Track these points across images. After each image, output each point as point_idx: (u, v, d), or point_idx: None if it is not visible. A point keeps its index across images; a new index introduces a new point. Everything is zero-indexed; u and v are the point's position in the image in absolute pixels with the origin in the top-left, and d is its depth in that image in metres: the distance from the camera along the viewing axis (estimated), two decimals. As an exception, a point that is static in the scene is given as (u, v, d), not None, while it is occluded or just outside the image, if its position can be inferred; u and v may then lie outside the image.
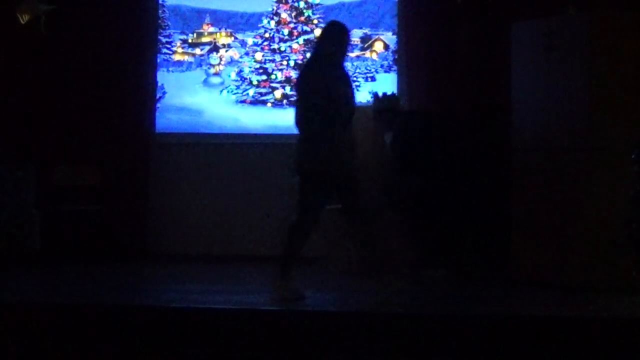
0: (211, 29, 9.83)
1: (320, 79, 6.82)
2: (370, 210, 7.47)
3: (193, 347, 6.05)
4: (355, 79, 9.58)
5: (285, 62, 9.67)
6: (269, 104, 9.66)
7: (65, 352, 6.07)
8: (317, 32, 9.62)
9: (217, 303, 6.67)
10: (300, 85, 7.07)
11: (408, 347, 5.97)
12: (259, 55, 9.71)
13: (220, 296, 7.01)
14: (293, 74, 9.60)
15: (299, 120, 6.95)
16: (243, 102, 9.66)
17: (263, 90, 9.67)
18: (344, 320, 6.23)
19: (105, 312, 6.32)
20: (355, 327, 6.14)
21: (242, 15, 9.79)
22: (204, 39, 9.83)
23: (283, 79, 9.64)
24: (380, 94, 8.57)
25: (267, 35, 9.72)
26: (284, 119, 9.50)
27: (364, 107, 8.65)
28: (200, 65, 9.79)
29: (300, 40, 9.68)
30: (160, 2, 9.65)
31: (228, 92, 9.70)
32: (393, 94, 8.64)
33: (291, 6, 9.71)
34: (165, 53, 9.74)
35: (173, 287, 7.50)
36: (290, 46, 9.69)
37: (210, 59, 9.78)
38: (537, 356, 5.88)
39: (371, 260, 7.10)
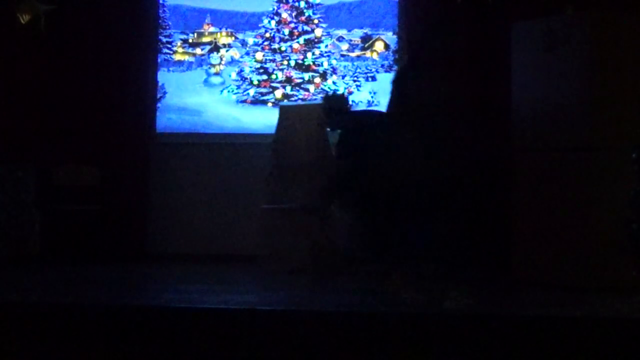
0: (212, 29, 9.84)
1: None
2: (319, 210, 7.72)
3: (193, 347, 6.04)
4: (355, 78, 9.60)
5: (285, 62, 9.68)
6: (270, 104, 9.66)
7: (65, 352, 6.06)
8: (318, 31, 9.65)
9: (217, 303, 6.66)
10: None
11: (408, 347, 5.96)
12: (259, 55, 9.72)
13: (220, 296, 7.00)
14: (294, 74, 9.62)
15: None
16: (244, 102, 9.66)
17: (264, 90, 9.68)
18: (344, 320, 6.21)
19: (105, 312, 6.31)
20: (355, 327, 6.13)
21: (243, 15, 9.80)
22: (205, 39, 9.84)
23: (284, 78, 9.65)
24: (330, 93, 8.60)
25: (267, 35, 9.73)
26: (285, 119, 9.53)
27: (313, 106, 8.74)
28: (201, 65, 9.80)
29: (301, 40, 9.69)
30: (160, 1, 9.65)
31: (229, 91, 9.71)
32: (342, 93, 8.61)
33: (292, 6, 9.72)
34: (166, 53, 9.75)
35: (173, 287, 7.49)
36: (290, 46, 9.69)
37: (210, 58, 9.79)
38: (537, 356, 5.88)
39: (321, 259, 7.26)
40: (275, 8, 9.73)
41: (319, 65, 9.65)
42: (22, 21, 8.82)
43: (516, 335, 5.91)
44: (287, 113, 8.93)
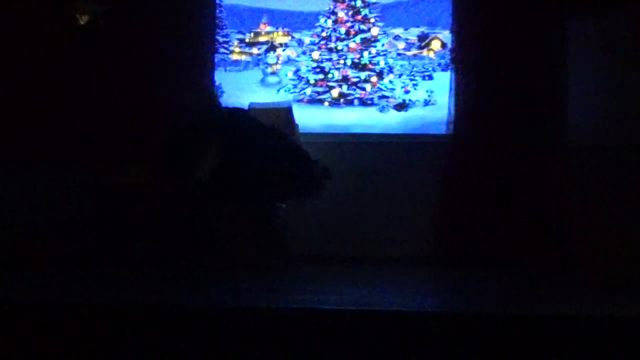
0: (268, 29, 9.86)
1: None
2: None
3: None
4: (412, 77, 9.56)
5: (342, 61, 9.66)
6: (326, 103, 9.66)
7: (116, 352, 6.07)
8: (374, 30, 9.62)
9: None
10: None
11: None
12: (316, 54, 9.72)
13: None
14: (350, 73, 9.60)
15: None
16: (300, 101, 9.66)
17: (320, 89, 9.68)
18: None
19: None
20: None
21: (299, 14, 9.81)
22: (261, 39, 9.86)
23: (340, 77, 9.63)
24: None
25: (324, 34, 9.72)
26: (341, 118, 9.54)
27: (281, 107, 9.08)
28: (258, 65, 9.83)
29: (357, 39, 9.66)
30: (217, 1, 9.67)
31: (285, 91, 9.72)
32: None
33: (348, 5, 9.69)
34: (223, 52, 9.79)
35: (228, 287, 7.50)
36: (347, 45, 9.68)
37: (267, 58, 9.81)
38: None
39: None
40: (332, 7, 9.72)
41: (375, 64, 9.62)
42: (80, 22, 8.91)
43: (564, 335, 5.84)
44: (255, 114, 8.92)
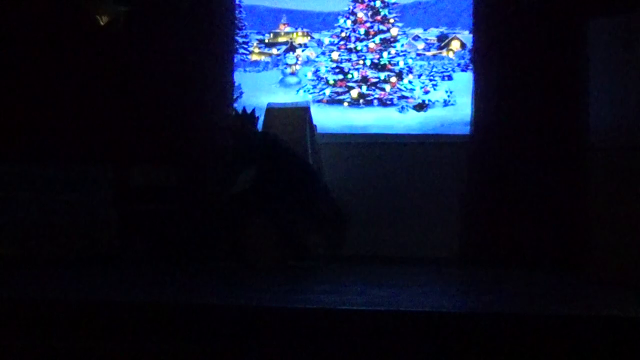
0: (288, 29, 9.88)
1: None
2: None
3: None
4: (432, 77, 9.56)
5: (361, 62, 9.67)
6: (346, 104, 9.66)
7: (139, 352, 6.08)
8: (393, 31, 9.62)
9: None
10: None
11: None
12: (335, 55, 9.73)
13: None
14: (369, 73, 9.60)
15: None
16: (319, 101, 9.67)
17: (339, 90, 9.68)
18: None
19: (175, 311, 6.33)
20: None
21: (319, 14, 9.82)
22: (281, 39, 9.88)
23: (359, 78, 9.63)
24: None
25: (343, 34, 9.73)
26: (360, 118, 9.52)
27: (300, 107, 9.07)
28: (277, 65, 9.84)
29: (377, 39, 9.67)
30: (236, 2, 9.67)
31: (304, 91, 9.73)
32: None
33: (367, 5, 9.70)
34: (242, 53, 9.80)
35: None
36: (366, 45, 9.68)
37: (286, 58, 9.82)
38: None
39: None
40: (351, 7, 9.73)
41: (394, 65, 9.62)
42: (100, 23, 8.94)
43: (589, 336, 5.81)
44: (273, 114, 8.92)
